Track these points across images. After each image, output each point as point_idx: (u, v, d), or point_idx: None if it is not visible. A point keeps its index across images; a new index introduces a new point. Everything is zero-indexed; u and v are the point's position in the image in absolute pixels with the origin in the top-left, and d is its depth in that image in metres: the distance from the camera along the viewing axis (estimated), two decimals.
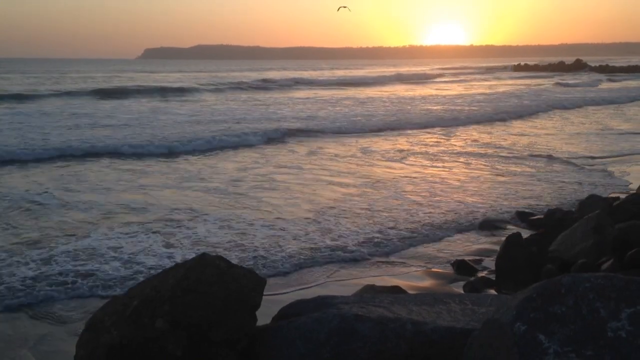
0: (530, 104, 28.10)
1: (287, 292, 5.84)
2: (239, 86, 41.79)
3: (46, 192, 9.92)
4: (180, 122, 20.22)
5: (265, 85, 43.70)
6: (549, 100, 30.59)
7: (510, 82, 54.05)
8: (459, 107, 26.86)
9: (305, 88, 43.38)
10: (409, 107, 26.96)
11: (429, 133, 18.59)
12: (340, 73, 73.04)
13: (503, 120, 22.55)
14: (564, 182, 10.98)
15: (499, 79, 62.04)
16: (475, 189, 10.40)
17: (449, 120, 21.75)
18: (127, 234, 7.63)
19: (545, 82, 51.03)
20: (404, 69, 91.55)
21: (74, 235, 7.56)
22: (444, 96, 35.59)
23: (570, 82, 49.67)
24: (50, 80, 48.38)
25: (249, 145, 15.68)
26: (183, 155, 14.23)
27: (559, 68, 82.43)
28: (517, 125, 20.98)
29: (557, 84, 46.90)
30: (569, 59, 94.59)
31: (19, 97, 29.77)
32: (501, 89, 42.03)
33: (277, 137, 16.99)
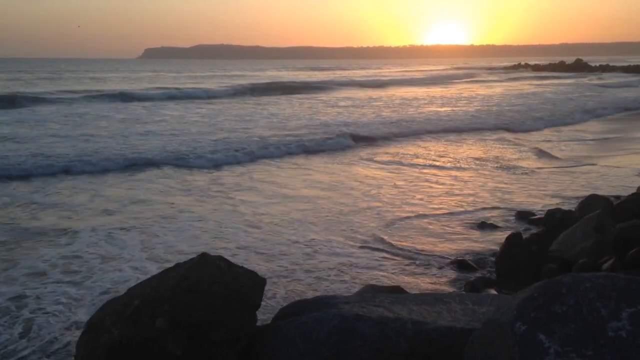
0: (604, 104, 27.78)
1: (288, 292, 5.84)
2: (271, 86, 40.94)
3: None
4: (259, 126, 19.65)
5: (314, 85, 42.84)
6: (616, 100, 30.28)
7: (546, 82, 52.25)
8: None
9: (351, 89, 42.72)
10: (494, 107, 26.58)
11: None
12: (358, 73, 71.59)
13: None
14: (566, 181, 11.00)
15: (535, 78, 60.12)
16: (477, 189, 10.41)
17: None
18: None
19: (585, 82, 49.74)
20: (423, 69, 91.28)
21: None
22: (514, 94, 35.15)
23: (608, 82, 48.51)
24: (122, 80, 47.99)
25: (344, 148, 15.53)
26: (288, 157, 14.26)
27: (575, 68, 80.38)
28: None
29: (601, 85, 45.14)
30: (569, 59, 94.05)
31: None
32: (552, 89, 41.13)
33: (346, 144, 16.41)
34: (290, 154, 14.56)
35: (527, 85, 46.31)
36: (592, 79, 55.25)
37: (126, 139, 16.01)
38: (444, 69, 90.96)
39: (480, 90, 41.24)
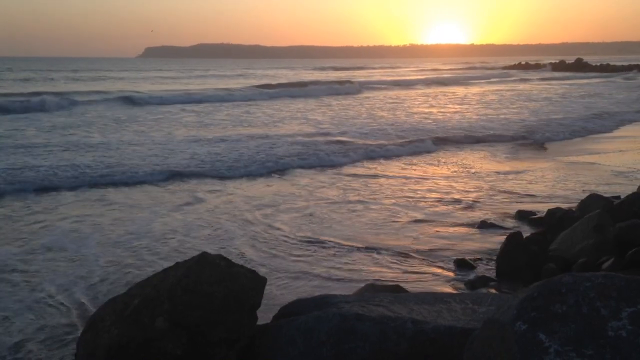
0: None
1: (287, 292, 5.84)
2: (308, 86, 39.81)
3: None
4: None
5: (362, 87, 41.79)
6: None
7: (593, 81, 51.31)
8: None
9: (391, 88, 42.45)
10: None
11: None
12: (380, 73, 71.22)
13: None
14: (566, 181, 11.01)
15: (564, 78, 58.72)
16: (476, 189, 10.41)
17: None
18: None
19: (625, 82, 49.22)
20: (440, 67, 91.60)
21: None
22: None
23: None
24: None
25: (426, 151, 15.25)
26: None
27: (575, 68, 79.34)
28: None
29: (638, 86, 44.19)
30: (569, 58, 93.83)
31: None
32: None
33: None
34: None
35: (570, 87, 44.63)
36: (616, 79, 54.49)
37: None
38: (467, 68, 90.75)
39: (529, 90, 39.94)
